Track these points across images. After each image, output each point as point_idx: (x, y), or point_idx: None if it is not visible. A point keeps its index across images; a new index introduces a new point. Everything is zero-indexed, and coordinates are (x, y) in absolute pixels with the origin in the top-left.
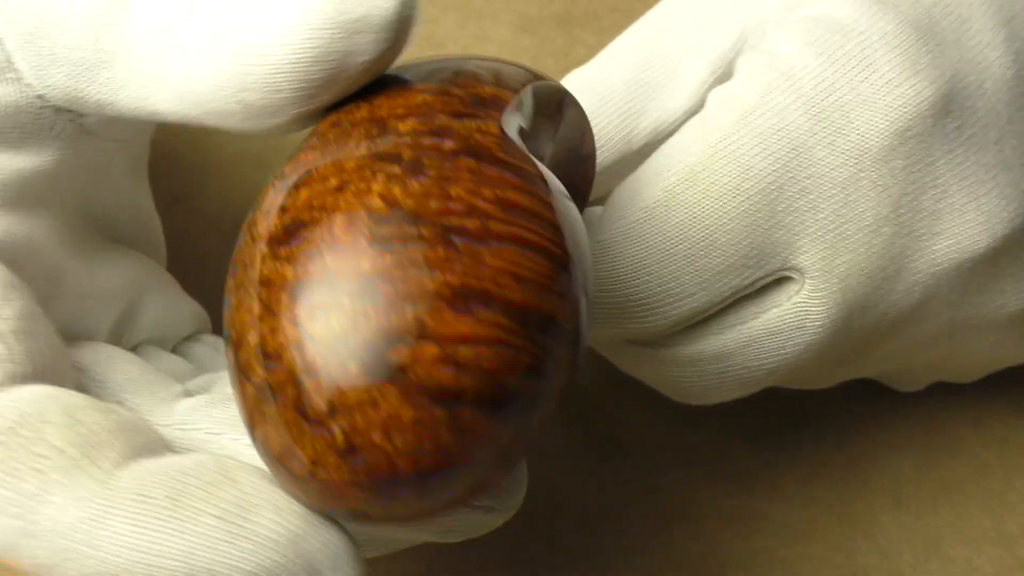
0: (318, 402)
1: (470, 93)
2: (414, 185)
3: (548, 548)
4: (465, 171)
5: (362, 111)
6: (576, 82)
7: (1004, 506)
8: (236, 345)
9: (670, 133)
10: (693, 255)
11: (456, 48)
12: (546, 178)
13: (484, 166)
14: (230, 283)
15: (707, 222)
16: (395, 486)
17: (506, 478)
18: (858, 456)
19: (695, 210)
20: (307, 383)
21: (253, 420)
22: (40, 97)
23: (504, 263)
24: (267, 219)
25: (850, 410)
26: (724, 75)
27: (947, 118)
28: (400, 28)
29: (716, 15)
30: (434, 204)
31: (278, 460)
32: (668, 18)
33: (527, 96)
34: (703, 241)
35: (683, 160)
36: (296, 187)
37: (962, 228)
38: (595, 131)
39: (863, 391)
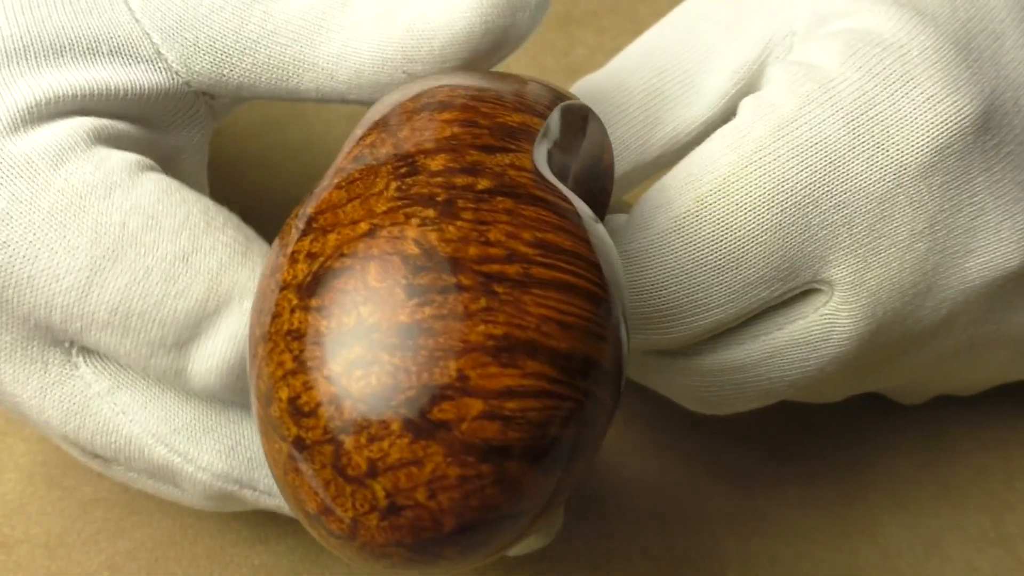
0: (358, 461)
1: (497, 123)
2: (450, 230)
3: (548, 548)
4: (502, 213)
5: (386, 145)
6: (589, 89)
7: (1004, 506)
8: (265, 399)
9: (685, 144)
10: (723, 267)
11: None
12: (579, 210)
13: (521, 206)
14: (255, 332)
15: (739, 234)
16: (439, 544)
17: (548, 521)
18: (858, 456)
19: (727, 221)
20: (346, 442)
21: (286, 476)
22: (187, 84)
23: (548, 310)
24: (293, 265)
25: (850, 410)
26: (747, 86)
27: (986, 135)
28: (545, 9)
29: (738, 24)
30: (473, 250)
31: (315, 518)
32: (686, 25)
33: (554, 120)
34: (734, 253)
35: (715, 169)
36: (323, 231)
37: (996, 246)
38: (623, 124)
39: (863, 392)
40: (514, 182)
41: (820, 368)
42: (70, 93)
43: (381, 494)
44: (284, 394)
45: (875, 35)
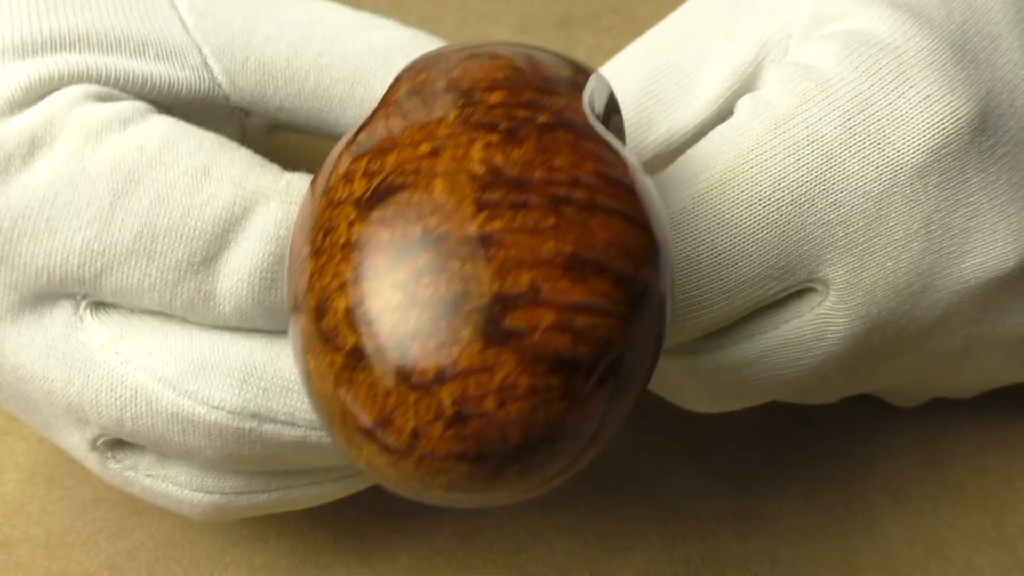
0: (425, 368)
1: (547, 71)
2: (515, 153)
3: (548, 548)
4: (564, 144)
5: (439, 81)
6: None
7: (1004, 506)
8: (317, 311)
9: (680, 145)
10: (719, 264)
11: None
12: (630, 158)
13: (581, 140)
14: (302, 251)
15: (735, 231)
16: (502, 458)
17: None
18: (858, 456)
19: (723, 218)
20: (413, 348)
21: (337, 390)
22: (226, 97)
23: (612, 235)
24: (348, 184)
25: (850, 411)
26: (743, 88)
27: (982, 136)
28: None
29: (735, 27)
30: (539, 173)
31: (369, 431)
32: (682, 28)
33: (594, 83)
34: (730, 250)
35: (712, 167)
36: (380, 152)
37: (992, 247)
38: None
39: (858, 394)
40: (572, 120)
41: (814, 367)
42: (104, 74)
43: (448, 401)
44: (341, 304)
45: (872, 36)
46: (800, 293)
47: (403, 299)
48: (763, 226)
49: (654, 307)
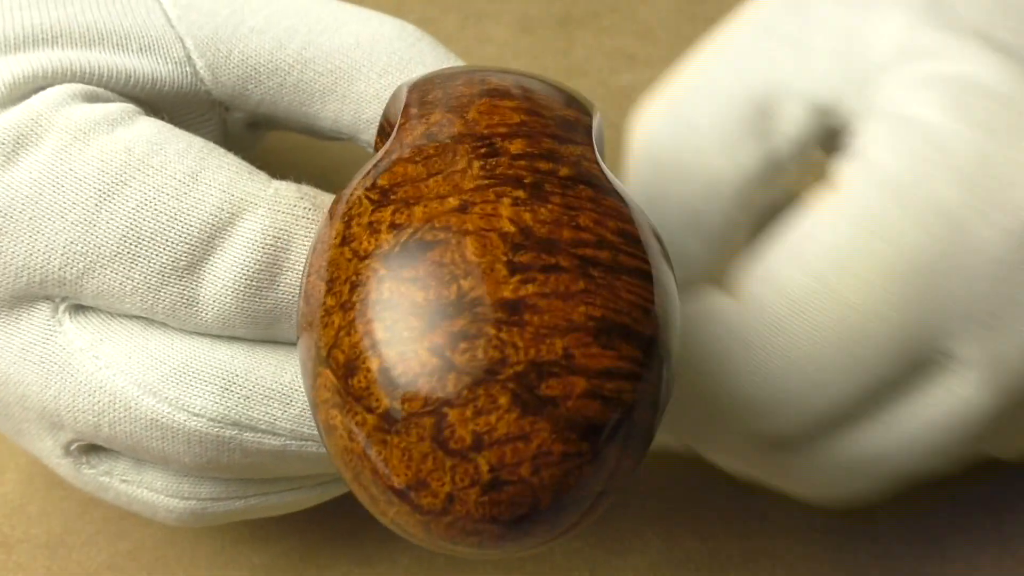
0: (462, 434)
1: (556, 114)
2: (543, 211)
3: (548, 548)
4: (587, 200)
5: (456, 125)
6: (657, 123)
7: (1004, 506)
8: (347, 369)
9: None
10: (845, 346)
11: (457, 49)
12: (634, 206)
13: (600, 196)
14: (325, 302)
15: (860, 308)
16: (533, 521)
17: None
18: None
19: (846, 296)
20: (450, 414)
21: (369, 449)
22: (208, 92)
23: (635, 297)
24: (374, 235)
25: None
26: (827, 113)
27: None
28: None
29: (806, 42)
30: (567, 233)
31: (400, 492)
32: (747, 40)
33: (598, 121)
34: (856, 330)
35: (826, 241)
36: (405, 203)
37: None
38: (701, 167)
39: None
40: (590, 173)
41: (960, 448)
42: (87, 71)
43: (485, 468)
44: (374, 364)
45: (980, 85)
46: (931, 370)
47: (440, 364)
48: (887, 301)
49: (667, 360)
